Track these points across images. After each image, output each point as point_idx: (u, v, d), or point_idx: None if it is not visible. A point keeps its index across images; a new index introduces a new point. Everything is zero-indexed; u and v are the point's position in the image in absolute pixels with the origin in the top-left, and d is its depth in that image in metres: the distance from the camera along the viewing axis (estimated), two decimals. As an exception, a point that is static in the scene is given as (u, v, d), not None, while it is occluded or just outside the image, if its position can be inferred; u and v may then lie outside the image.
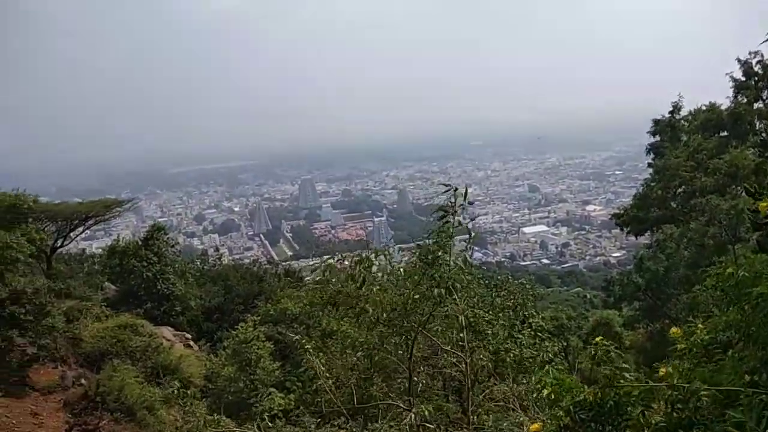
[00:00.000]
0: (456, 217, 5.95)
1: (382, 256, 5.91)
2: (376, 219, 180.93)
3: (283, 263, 52.20)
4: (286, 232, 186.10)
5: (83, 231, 29.39)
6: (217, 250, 44.29)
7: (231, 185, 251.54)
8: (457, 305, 5.95)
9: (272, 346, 22.54)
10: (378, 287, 5.82)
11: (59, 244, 27.59)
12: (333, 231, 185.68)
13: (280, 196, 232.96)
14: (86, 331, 20.88)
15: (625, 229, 39.38)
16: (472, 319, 7.30)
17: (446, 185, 6.07)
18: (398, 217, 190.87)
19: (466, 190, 6.16)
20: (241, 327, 22.06)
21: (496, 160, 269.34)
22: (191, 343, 25.47)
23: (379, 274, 5.92)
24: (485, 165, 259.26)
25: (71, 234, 28.03)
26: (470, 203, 5.95)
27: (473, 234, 6.07)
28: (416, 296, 5.77)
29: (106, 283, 28.59)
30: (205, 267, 36.95)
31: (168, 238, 29.74)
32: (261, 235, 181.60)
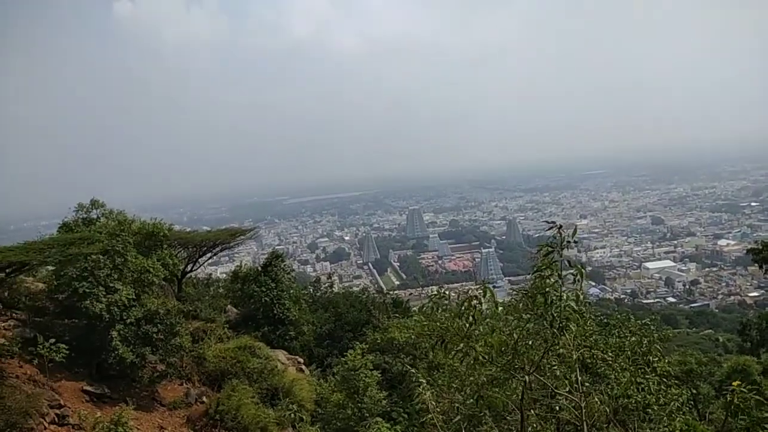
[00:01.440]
0: (564, 253, 5.68)
1: (489, 293, 5.74)
2: (484, 250, 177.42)
3: (391, 292, 52.73)
4: (394, 261, 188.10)
5: (211, 257, 31.79)
6: (329, 277, 45.59)
7: (342, 215, 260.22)
8: (570, 345, 5.64)
9: (379, 375, 22.67)
10: (485, 326, 5.66)
11: (189, 269, 30.00)
12: (440, 261, 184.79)
13: (388, 226, 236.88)
14: (210, 350, 22.36)
15: (763, 266, 35.47)
16: (588, 360, 6.87)
17: (550, 222, 5.86)
18: (507, 249, 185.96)
19: (575, 230, 5.89)
20: (350, 354, 22.41)
21: (614, 190, 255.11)
22: (303, 367, 26.32)
23: (486, 309, 5.76)
24: (602, 195, 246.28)
25: (200, 259, 30.40)
26: (575, 242, 5.66)
27: (584, 269, 5.74)
28: (527, 337, 5.55)
29: (229, 306, 30.48)
30: (317, 294, 38.23)
31: (285, 265, 31.17)
32: (369, 264, 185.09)
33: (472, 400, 6.96)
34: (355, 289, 52.39)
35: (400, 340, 26.28)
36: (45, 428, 15.08)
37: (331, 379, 24.04)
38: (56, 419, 15.63)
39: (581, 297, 5.80)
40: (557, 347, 5.73)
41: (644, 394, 8.18)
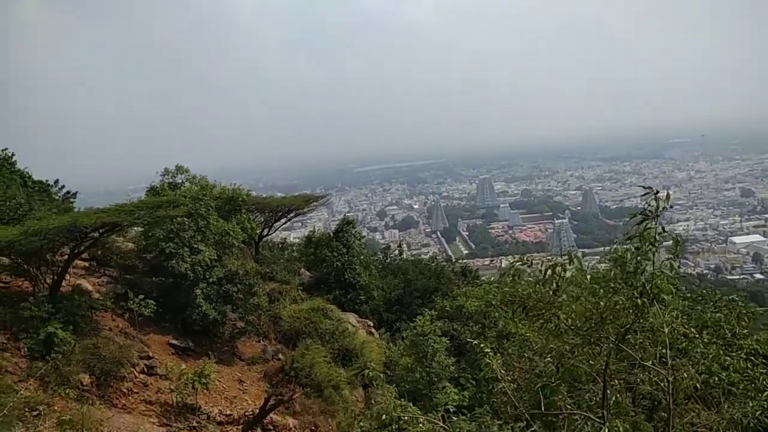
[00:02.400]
0: (658, 223, 5.41)
1: (574, 261, 5.59)
2: (557, 221, 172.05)
3: (460, 261, 52.51)
4: (463, 230, 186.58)
5: (285, 222, 32.84)
6: (399, 245, 45.95)
7: (412, 183, 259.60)
8: (661, 317, 5.42)
9: (448, 341, 22.85)
10: (570, 294, 5.53)
11: (265, 233, 31.15)
12: (510, 231, 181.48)
13: (458, 195, 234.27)
14: (285, 311, 23.32)
15: None
16: (672, 335, 6.58)
17: (645, 188, 5.57)
18: (582, 220, 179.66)
19: (668, 194, 5.58)
20: (419, 320, 22.69)
21: (701, 160, 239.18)
22: (373, 330, 26.95)
23: (570, 277, 5.61)
24: (688, 165, 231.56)
25: (275, 224, 31.48)
26: (670, 207, 5.36)
27: (680, 241, 5.45)
28: (616, 305, 5.38)
29: (302, 269, 31.49)
30: (387, 260, 38.71)
31: (355, 231, 31.70)
32: (438, 233, 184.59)
33: (552, 368, 6.89)
34: (423, 257, 52.58)
35: (470, 308, 26.24)
36: (135, 377, 16.30)
37: (400, 343, 24.47)
38: (145, 369, 16.85)
39: (676, 268, 5.54)
40: (647, 318, 5.52)
41: (729, 372, 7.82)
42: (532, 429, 6.47)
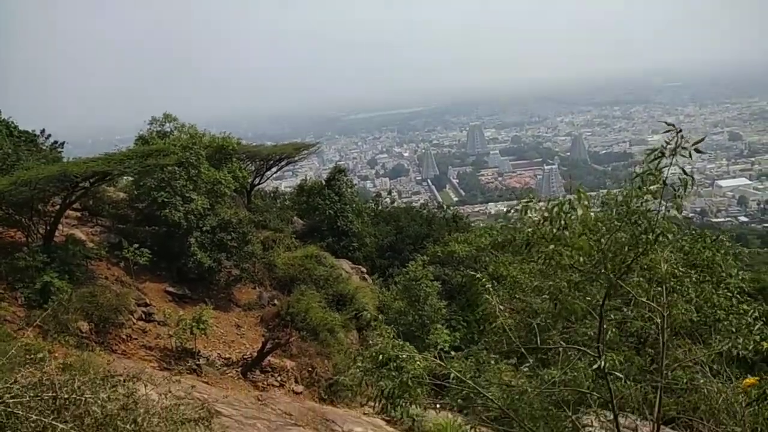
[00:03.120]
0: (672, 163, 5.40)
1: (583, 198, 5.62)
2: (546, 167, 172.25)
3: (451, 208, 52.79)
4: (453, 178, 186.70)
5: (276, 171, 32.75)
6: (390, 193, 46.05)
7: (402, 131, 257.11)
8: (659, 256, 5.53)
9: (439, 285, 23.31)
10: (574, 231, 5.58)
11: (257, 182, 31.08)
12: (500, 178, 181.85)
13: (448, 143, 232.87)
14: (279, 258, 23.57)
15: None
16: (666, 274, 6.74)
17: (668, 124, 5.54)
18: (571, 166, 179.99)
19: (702, 139, 5.55)
20: (411, 265, 23.07)
21: (690, 104, 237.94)
22: (366, 276, 27.35)
23: (580, 215, 5.64)
24: (677, 109, 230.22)
25: (266, 173, 31.38)
26: (698, 151, 5.33)
27: (689, 182, 5.44)
28: (617, 242, 5.45)
29: (295, 217, 31.61)
30: (378, 208, 38.87)
31: (347, 179, 31.71)
32: (428, 180, 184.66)
33: (549, 305, 7.06)
34: (414, 204, 52.80)
35: (461, 253, 26.64)
36: (134, 324, 16.59)
37: (393, 288, 24.93)
38: (143, 316, 17.14)
39: (681, 209, 5.60)
40: (648, 256, 5.61)
41: (715, 310, 8.07)
42: (528, 363, 6.71)
